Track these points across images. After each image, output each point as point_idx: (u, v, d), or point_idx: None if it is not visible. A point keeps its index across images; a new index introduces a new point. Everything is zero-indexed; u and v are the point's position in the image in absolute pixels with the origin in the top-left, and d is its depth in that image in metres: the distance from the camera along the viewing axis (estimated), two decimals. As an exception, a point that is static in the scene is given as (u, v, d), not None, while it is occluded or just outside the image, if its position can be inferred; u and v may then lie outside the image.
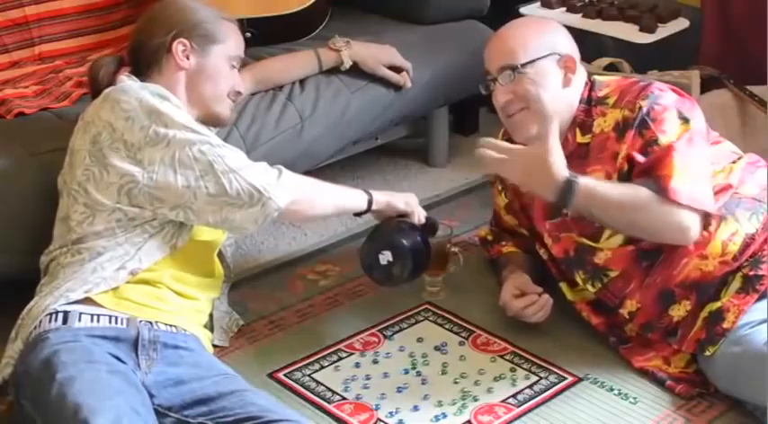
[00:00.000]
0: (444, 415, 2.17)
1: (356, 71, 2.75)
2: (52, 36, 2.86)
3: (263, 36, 2.69)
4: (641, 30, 3.15)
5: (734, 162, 2.32)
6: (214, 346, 2.31)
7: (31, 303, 2.08)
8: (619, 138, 2.24)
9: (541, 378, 2.27)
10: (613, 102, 2.28)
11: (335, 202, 2.25)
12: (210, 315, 2.32)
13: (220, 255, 2.33)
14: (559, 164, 2.16)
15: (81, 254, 2.09)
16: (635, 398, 2.21)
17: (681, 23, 3.23)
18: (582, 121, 2.31)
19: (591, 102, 2.31)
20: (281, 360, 2.34)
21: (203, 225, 2.14)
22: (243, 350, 2.38)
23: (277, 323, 2.48)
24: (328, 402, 2.21)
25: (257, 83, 2.61)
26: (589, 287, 2.34)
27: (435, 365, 2.32)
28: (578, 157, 2.29)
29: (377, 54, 2.78)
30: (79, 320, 2.01)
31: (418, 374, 2.30)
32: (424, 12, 3.07)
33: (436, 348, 2.38)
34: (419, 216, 2.36)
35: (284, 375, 2.30)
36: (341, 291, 2.62)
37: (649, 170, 2.18)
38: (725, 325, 2.16)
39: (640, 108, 2.22)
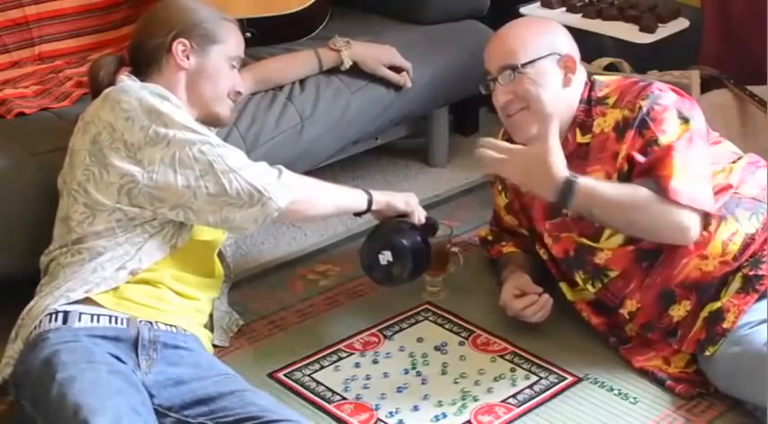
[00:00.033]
0: (444, 415, 2.17)
1: (356, 71, 2.75)
2: (52, 36, 2.86)
3: (263, 36, 2.69)
4: (641, 30, 3.15)
5: (734, 162, 2.32)
6: (214, 346, 2.31)
7: (31, 303, 2.08)
8: (619, 138, 2.24)
9: (541, 378, 2.27)
10: (613, 102, 2.28)
11: (335, 202, 2.25)
12: (210, 315, 2.32)
13: (220, 255, 2.33)
14: (559, 164, 2.16)
15: (81, 254, 2.09)
16: (635, 398, 2.21)
17: (681, 23, 3.23)
18: (582, 121, 2.31)
19: (591, 102, 2.31)
20: (281, 360, 2.34)
21: (203, 225, 2.14)
22: (243, 350, 2.38)
23: (277, 323, 2.48)
24: (328, 402, 2.21)
25: (257, 83, 2.62)
26: (589, 287, 2.34)
27: (435, 365, 2.32)
28: (578, 157, 2.29)
29: (377, 54, 2.78)
30: (79, 320, 2.01)
31: (418, 374, 2.30)
32: (424, 12, 3.07)
33: (436, 349, 2.38)
34: (419, 216, 2.36)
35: (284, 375, 2.30)
36: (341, 291, 2.62)
37: (649, 170, 2.18)
38: (725, 325, 2.16)
39: (640, 108, 2.22)
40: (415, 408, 2.19)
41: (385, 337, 2.43)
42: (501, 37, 2.37)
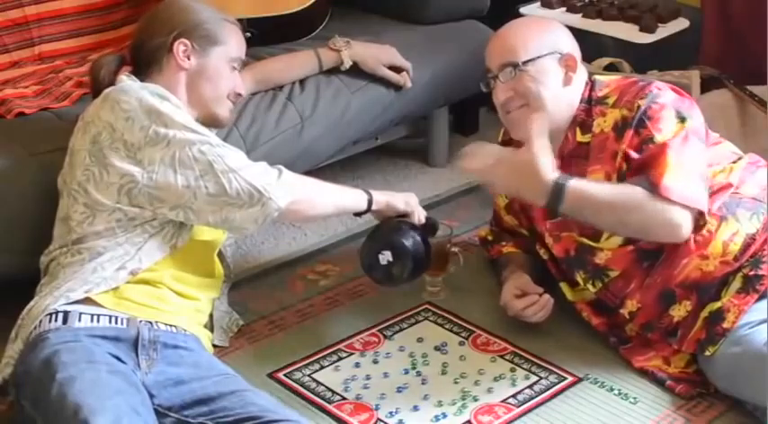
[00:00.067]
0: (444, 415, 2.17)
1: (356, 71, 2.75)
2: (52, 36, 2.86)
3: (263, 36, 2.69)
4: (641, 30, 3.16)
5: (734, 162, 2.32)
6: (214, 346, 2.31)
7: (31, 303, 2.08)
8: (618, 138, 2.24)
9: (541, 378, 2.27)
10: (613, 102, 2.28)
11: (336, 202, 2.25)
12: (210, 315, 2.32)
13: (220, 255, 2.33)
14: (547, 168, 2.15)
15: (81, 254, 2.09)
16: (635, 398, 2.21)
17: (681, 23, 3.23)
18: (582, 121, 2.31)
19: (591, 102, 2.31)
20: (281, 360, 2.34)
21: (203, 225, 2.14)
22: (243, 350, 2.38)
23: (277, 323, 2.48)
24: (328, 402, 2.21)
25: (257, 83, 2.62)
26: (590, 286, 2.34)
27: (435, 365, 2.32)
28: (579, 156, 2.29)
29: (377, 54, 2.78)
30: (79, 320, 2.01)
31: (418, 374, 2.30)
32: (424, 12, 3.07)
33: (436, 348, 2.38)
34: (419, 216, 2.36)
35: (284, 375, 2.30)
36: (341, 291, 2.61)
37: (642, 167, 2.18)
38: (725, 325, 2.16)
39: (638, 107, 2.22)
40: (415, 408, 2.19)
41: (385, 337, 2.43)
42: (502, 35, 2.37)
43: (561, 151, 2.32)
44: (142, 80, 2.19)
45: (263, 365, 2.32)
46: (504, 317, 2.42)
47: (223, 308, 2.41)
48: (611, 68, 2.95)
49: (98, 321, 2.02)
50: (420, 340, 2.41)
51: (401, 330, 2.45)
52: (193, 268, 2.21)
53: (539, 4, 3.35)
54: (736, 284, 2.19)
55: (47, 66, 2.80)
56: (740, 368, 2.11)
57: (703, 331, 2.19)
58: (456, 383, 2.26)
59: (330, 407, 2.19)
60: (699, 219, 2.18)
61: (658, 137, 2.19)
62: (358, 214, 2.33)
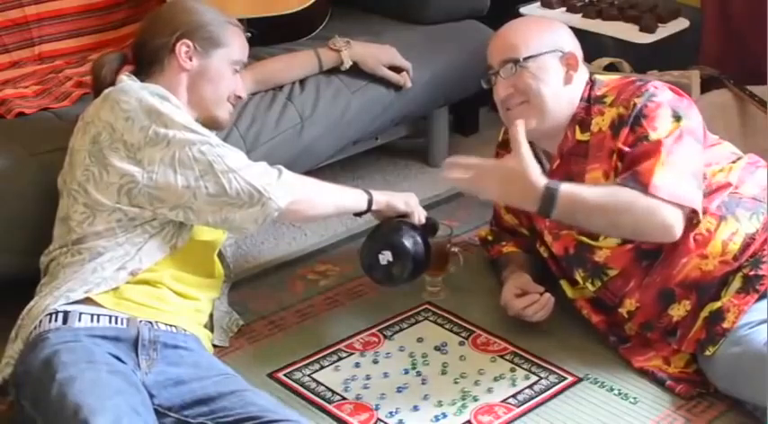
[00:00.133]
0: (444, 415, 2.17)
1: (356, 71, 2.75)
2: (52, 36, 2.86)
3: (263, 36, 2.69)
4: (641, 30, 3.16)
5: (733, 162, 2.32)
6: (214, 346, 2.31)
7: (31, 303, 2.08)
8: (614, 136, 2.25)
9: (541, 378, 2.27)
10: (611, 101, 2.29)
11: (336, 202, 2.25)
12: (210, 315, 2.32)
13: (220, 255, 2.33)
14: (536, 173, 2.15)
15: (81, 254, 2.09)
16: (635, 398, 2.21)
17: (681, 23, 3.23)
18: (582, 119, 2.31)
19: (590, 101, 2.32)
20: (281, 360, 2.34)
21: (203, 225, 2.14)
22: (243, 350, 2.38)
23: (277, 323, 2.48)
24: (328, 402, 2.21)
25: (257, 84, 2.62)
26: (589, 285, 2.34)
27: (435, 365, 2.32)
28: (578, 155, 2.30)
29: (377, 54, 2.78)
30: (79, 320, 2.01)
31: (418, 374, 2.30)
32: (424, 12, 3.07)
33: (436, 348, 2.38)
34: (419, 216, 2.35)
35: (284, 375, 2.30)
36: (341, 291, 2.61)
37: (634, 164, 2.18)
38: (725, 325, 2.16)
39: (635, 105, 2.22)
40: (415, 408, 2.19)
41: (385, 337, 2.43)
42: (505, 32, 2.38)
43: (561, 149, 2.32)
44: (143, 80, 2.19)
45: (263, 365, 2.32)
46: (504, 317, 2.42)
47: (223, 308, 2.41)
48: (611, 68, 2.95)
49: (98, 321, 2.02)
50: (420, 340, 2.41)
51: (401, 330, 2.45)
52: (193, 268, 2.21)
53: (539, 4, 3.35)
54: (736, 284, 2.19)
55: (47, 66, 2.80)
56: (740, 368, 2.11)
57: (703, 331, 2.19)
58: (456, 383, 2.26)
59: (330, 407, 2.19)
60: (692, 218, 2.18)
61: (653, 135, 2.19)
62: (358, 214, 2.33)
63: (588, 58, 2.67)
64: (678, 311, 2.24)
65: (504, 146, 2.49)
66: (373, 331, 2.45)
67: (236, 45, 2.27)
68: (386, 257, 2.29)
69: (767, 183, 2.28)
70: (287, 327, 2.47)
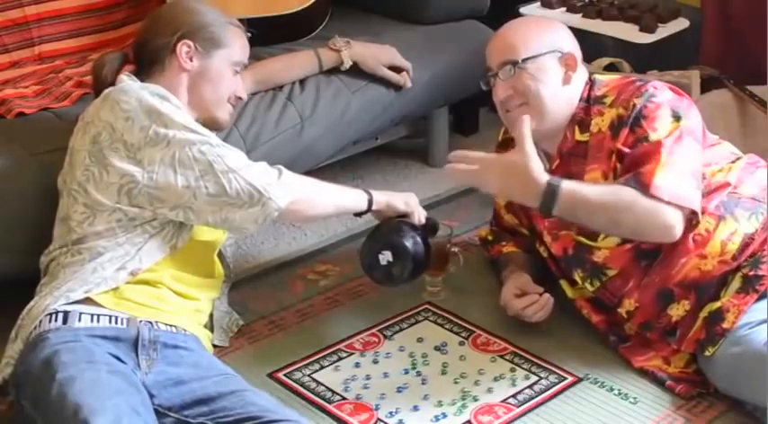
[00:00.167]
0: (444, 415, 2.17)
1: (356, 71, 2.75)
2: (52, 36, 2.86)
3: (263, 36, 2.69)
4: (641, 30, 3.15)
5: (733, 162, 2.32)
6: (214, 346, 2.31)
7: (31, 303, 2.08)
8: (614, 137, 2.25)
9: (541, 378, 2.27)
10: (611, 102, 2.29)
11: (336, 202, 2.25)
12: (210, 315, 2.32)
13: (220, 255, 2.33)
14: (539, 169, 2.15)
15: (81, 254, 2.09)
16: (635, 398, 2.21)
17: (681, 23, 3.23)
18: (581, 119, 2.31)
19: (590, 101, 2.32)
20: (281, 360, 2.34)
21: (203, 226, 2.14)
22: (243, 350, 2.38)
23: (277, 323, 2.48)
24: (328, 402, 2.21)
25: (257, 84, 2.62)
26: (588, 285, 2.34)
27: (435, 365, 2.32)
28: (577, 155, 2.30)
29: (377, 54, 2.78)
30: (79, 320, 2.01)
31: (418, 374, 2.30)
32: (424, 12, 3.07)
33: (436, 348, 2.38)
34: (419, 216, 2.35)
35: (284, 375, 2.30)
36: (341, 291, 2.61)
37: (635, 165, 2.18)
38: (725, 325, 2.16)
39: (634, 106, 2.22)
40: (415, 408, 2.19)
41: (385, 337, 2.43)
42: (503, 33, 2.38)
43: (560, 149, 2.32)
44: (144, 80, 2.19)
45: (263, 365, 2.32)
46: (504, 317, 2.42)
47: (223, 308, 2.41)
48: (611, 68, 2.95)
49: (98, 321, 2.02)
50: (420, 340, 2.41)
51: (401, 330, 2.45)
52: (193, 268, 2.21)
53: (539, 4, 3.35)
54: (736, 284, 2.19)
55: (47, 66, 2.80)
56: (740, 369, 2.11)
57: (703, 331, 2.19)
58: (456, 383, 2.26)
59: (330, 407, 2.19)
60: (692, 218, 2.19)
61: (653, 136, 2.19)
62: (358, 214, 2.33)
63: (588, 58, 2.67)
64: (677, 311, 2.24)
65: (504, 146, 2.50)
66: (373, 331, 2.45)
67: (237, 46, 2.27)
68: (386, 257, 2.29)
69: (767, 183, 2.28)
70: (287, 327, 2.47)
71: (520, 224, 2.57)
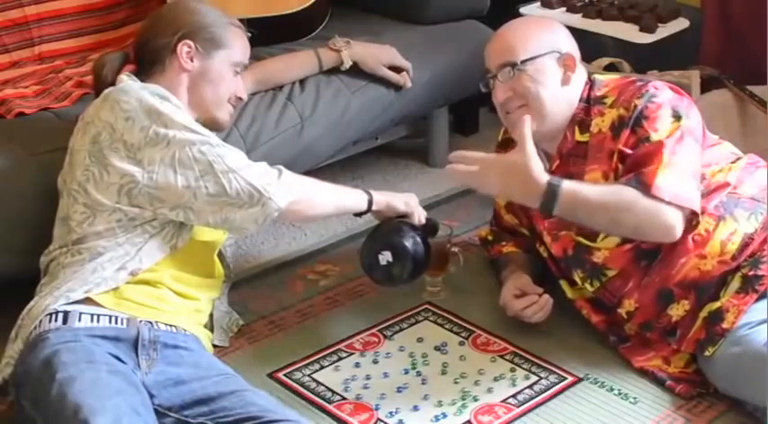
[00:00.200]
0: (444, 415, 2.17)
1: (356, 71, 2.75)
2: (52, 36, 2.86)
3: (263, 36, 2.69)
4: (641, 30, 3.15)
5: (733, 162, 2.32)
6: (214, 346, 2.31)
7: (31, 303, 2.08)
8: (614, 137, 2.25)
9: (541, 378, 2.27)
10: (611, 102, 2.29)
11: (336, 202, 2.25)
12: (210, 315, 2.32)
13: (220, 255, 2.33)
14: (539, 170, 2.15)
15: (81, 254, 2.09)
16: (635, 398, 2.21)
17: (681, 23, 3.23)
18: (581, 120, 2.31)
19: (590, 101, 2.32)
20: (281, 360, 2.34)
21: (203, 226, 2.14)
22: (243, 350, 2.38)
23: (277, 323, 2.48)
24: (328, 402, 2.21)
25: (257, 84, 2.62)
26: (588, 286, 2.34)
27: (435, 365, 2.32)
28: (577, 156, 2.30)
29: (377, 54, 2.78)
30: (79, 320, 2.01)
31: (418, 374, 2.30)
32: (424, 12, 3.07)
33: (436, 348, 2.38)
34: (419, 216, 2.36)
35: (284, 375, 2.30)
36: (341, 291, 2.61)
37: (636, 165, 2.18)
38: (724, 325, 2.16)
39: (635, 106, 2.22)
40: (415, 408, 2.19)
41: (385, 337, 2.43)
42: (501, 35, 2.38)
43: (560, 150, 2.32)
44: (144, 80, 2.19)
45: (263, 365, 2.32)
46: (504, 317, 2.42)
47: (223, 308, 2.41)
48: (611, 68, 2.95)
49: (98, 321, 2.02)
50: (420, 340, 2.41)
51: (401, 330, 2.46)
52: (193, 268, 2.21)
53: (539, 4, 3.35)
54: (735, 284, 2.19)
55: (47, 66, 2.80)
56: (740, 369, 2.11)
57: (703, 331, 2.19)
58: (456, 383, 2.26)
59: (330, 407, 2.19)
60: (692, 219, 2.19)
61: (654, 137, 2.19)
62: (358, 214, 2.33)
63: (588, 58, 2.67)
64: (677, 311, 2.24)
65: (504, 146, 2.50)
66: (373, 331, 2.45)
67: (237, 46, 2.27)
68: (386, 257, 2.29)
69: (767, 183, 2.28)
70: (287, 327, 2.47)
71: (520, 224, 2.57)
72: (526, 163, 2.14)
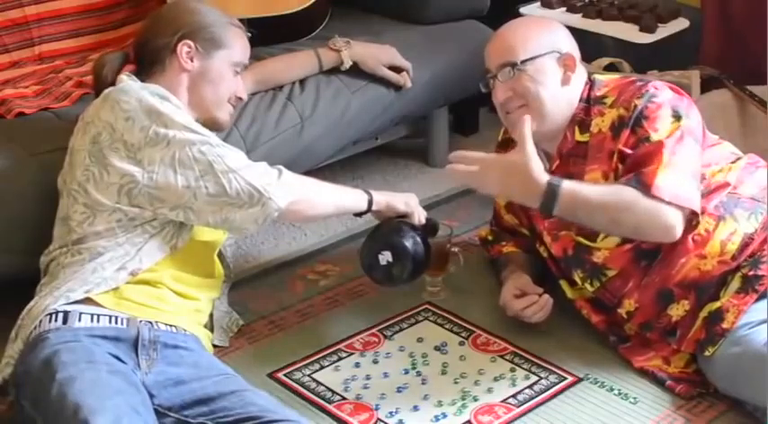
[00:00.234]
0: (444, 415, 2.17)
1: (356, 71, 2.75)
2: (52, 36, 2.86)
3: (263, 36, 2.69)
4: (641, 30, 3.15)
5: (733, 162, 2.32)
6: (214, 346, 2.31)
7: (31, 303, 2.08)
8: (615, 137, 2.25)
9: (541, 378, 2.27)
10: (611, 102, 2.29)
11: (336, 202, 2.25)
12: (210, 315, 2.32)
13: (220, 255, 2.33)
14: (539, 170, 2.15)
15: (81, 254, 2.09)
16: (635, 398, 2.21)
17: (681, 23, 3.23)
18: (581, 120, 2.31)
19: (590, 101, 2.32)
20: (281, 360, 2.34)
21: (203, 226, 2.14)
22: (243, 350, 2.38)
23: (277, 323, 2.48)
24: (328, 402, 2.21)
25: (257, 84, 2.62)
26: (588, 286, 2.34)
27: (435, 365, 2.32)
28: (577, 156, 2.30)
29: (377, 54, 2.78)
30: (79, 320, 2.01)
31: (418, 374, 2.30)
32: (424, 12, 3.07)
33: (436, 348, 2.38)
34: (419, 216, 2.35)
35: (284, 375, 2.30)
36: (341, 291, 2.61)
37: (636, 165, 2.18)
38: (724, 325, 2.16)
39: (635, 106, 2.22)
40: (415, 408, 2.19)
41: (385, 337, 2.43)
42: (501, 35, 2.38)
43: (560, 150, 2.32)
44: (144, 80, 2.19)
45: (263, 365, 2.32)
46: (504, 317, 2.42)
47: (223, 308, 2.41)
48: (611, 68, 2.95)
49: (98, 321, 2.02)
50: (420, 340, 2.41)
51: (401, 330, 2.46)
52: (193, 268, 2.21)
53: (539, 4, 3.35)
54: (735, 284, 2.19)
55: (47, 66, 2.80)
56: (740, 369, 2.11)
57: (703, 331, 2.19)
58: (456, 383, 2.26)
59: (330, 407, 2.19)
60: (692, 219, 2.19)
61: (654, 137, 2.19)
62: (358, 214, 2.33)
63: (588, 58, 2.67)
64: (677, 311, 2.24)
65: (504, 146, 2.50)
66: (373, 331, 2.45)
67: (237, 46, 2.27)
68: (386, 257, 2.29)
69: (767, 183, 2.28)
70: (287, 327, 2.47)
71: (520, 224, 2.57)
72: (526, 163, 2.14)
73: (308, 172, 2.36)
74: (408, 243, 2.29)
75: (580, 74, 2.34)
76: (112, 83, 2.19)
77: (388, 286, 2.40)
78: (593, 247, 2.30)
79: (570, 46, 2.35)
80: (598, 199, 2.16)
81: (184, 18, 2.24)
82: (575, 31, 2.42)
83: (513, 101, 2.30)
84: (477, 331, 2.44)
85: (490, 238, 2.67)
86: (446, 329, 2.46)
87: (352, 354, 2.37)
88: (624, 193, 2.15)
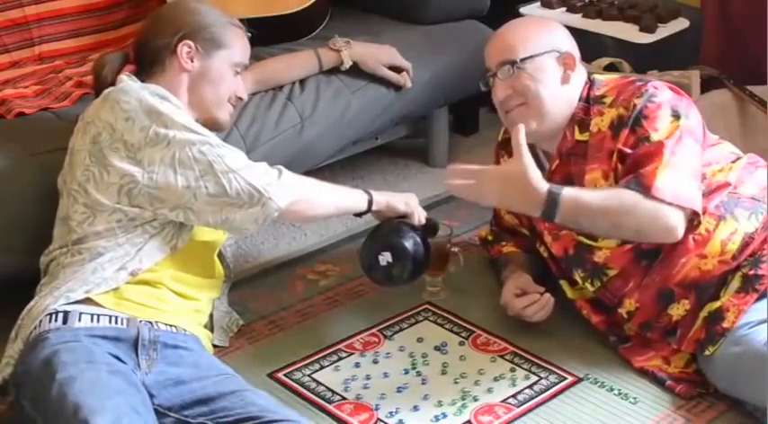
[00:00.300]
0: (444, 415, 2.17)
1: (356, 71, 2.75)
2: (52, 36, 2.86)
3: (263, 36, 2.69)
4: (641, 30, 3.16)
5: (733, 162, 2.32)
6: (214, 346, 2.31)
7: (31, 303, 2.08)
8: (614, 137, 2.25)
9: (541, 378, 2.27)
10: (611, 102, 2.29)
11: (336, 202, 2.25)
12: (210, 315, 2.32)
13: (221, 255, 2.33)
14: (538, 178, 2.15)
15: (81, 254, 2.09)
16: (635, 398, 2.21)
17: (681, 23, 3.23)
18: (581, 119, 2.31)
19: (590, 101, 2.32)
20: (281, 360, 2.34)
21: (203, 226, 2.14)
22: (243, 350, 2.38)
23: (277, 323, 2.48)
24: (328, 402, 2.21)
25: (257, 84, 2.62)
26: (588, 285, 2.34)
27: (435, 365, 2.32)
28: (577, 155, 2.30)
29: (377, 54, 2.78)
30: (79, 320, 2.01)
31: (418, 374, 2.30)
32: (424, 12, 3.07)
33: (436, 348, 2.38)
34: (419, 216, 2.35)
35: (284, 375, 2.30)
36: (341, 291, 2.61)
37: (636, 166, 2.18)
38: (725, 325, 2.16)
39: (635, 106, 2.22)
40: (415, 408, 2.19)
41: (385, 337, 2.43)
42: (501, 34, 2.38)
43: (560, 149, 2.32)
44: (144, 80, 2.19)
45: (263, 365, 2.32)
46: (504, 317, 2.42)
47: (223, 308, 2.41)
48: (611, 68, 2.95)
49: (98, 321, 2.02)
50: (420, 340, 2.41)
51: (401, 330, 2.46)
52: (193, 268, 2.21)
53: (539, 4, 3.35)
54: (736, 283, 2.19)
55: (47, 66, 2.80)
56: (740, 368, 2.11)
57: (703, 331, 2.19)
58: (456, 383, 2.26)
59: (330, 407, 2.19)
60: (693, 219, 2.19)
61: (654, 136, 2.19)
62: (358, 214, 2.33)
63: (588, 58, 2.67)
64: (677, 310, 2.24)
65: (504, 146, 2.50)
66: (373, 331, 2.45)
67: (237, 47, 2.27)
68: (386, 258, 2.29)
69: (767, 183, 2.28)
70: (287, 327, 2.47)
71: (520, 224, 2.57)
72: (524, 173, 2.14)
73: (308, 172, 2.36)
74: (408, 244, 2.29)
75: (580, 73, 2.34)
76: (112, 84, 2.20)
77: (388, 286, 2.40)
78: (595, 247, 2.30)
79: (570, 45, 2.35)
80: (599, 204, 2.16)
81: (184, 18, 2.24)
82: (575, 31, 2.42)
83: (513, 100, 2.30)
84: (477, 331, 2.44)
85: (490, 238, 2.67)
86: (446, 329, 2.46)
87: (352, 354, 2.37)
88: (624, 196, 2.15)
